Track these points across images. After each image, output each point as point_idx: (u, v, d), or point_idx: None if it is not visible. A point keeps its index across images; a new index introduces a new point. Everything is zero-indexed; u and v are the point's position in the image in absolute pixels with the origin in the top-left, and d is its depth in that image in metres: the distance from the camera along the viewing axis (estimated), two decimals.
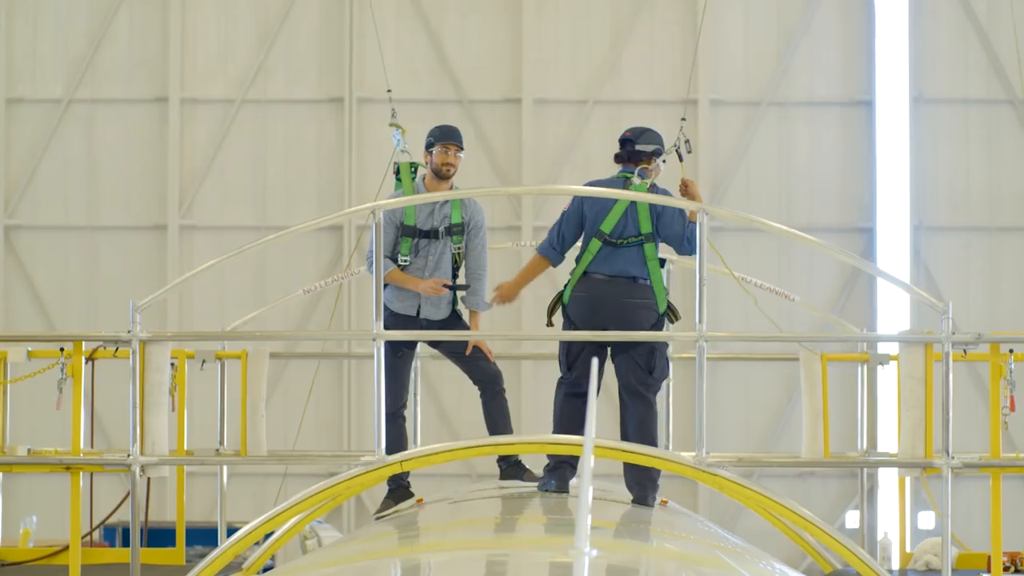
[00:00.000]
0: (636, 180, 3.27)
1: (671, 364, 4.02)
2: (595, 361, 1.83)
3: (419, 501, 3.35)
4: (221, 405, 4.12)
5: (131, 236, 7.68)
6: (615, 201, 3.24)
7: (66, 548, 3.63)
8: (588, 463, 1.61)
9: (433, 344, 3.55)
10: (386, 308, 3.41)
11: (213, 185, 7.71)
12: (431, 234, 3.43)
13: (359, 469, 3.06)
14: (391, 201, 3.29)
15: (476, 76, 7.65)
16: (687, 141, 3.34)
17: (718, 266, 3.81)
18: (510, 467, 3.45)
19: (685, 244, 3.23)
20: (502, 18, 7.65)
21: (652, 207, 3.23)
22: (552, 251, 3.38)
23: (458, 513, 3.02)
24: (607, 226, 3.26)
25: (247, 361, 3.84)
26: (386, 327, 3.23)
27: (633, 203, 3.23)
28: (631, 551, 2.31)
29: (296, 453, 5.07)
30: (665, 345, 3.23)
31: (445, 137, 3.47)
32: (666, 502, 3.35)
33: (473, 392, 3.50)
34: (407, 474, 3.43)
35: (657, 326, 3.22)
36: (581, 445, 2.98)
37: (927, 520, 6.95)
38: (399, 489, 3.46)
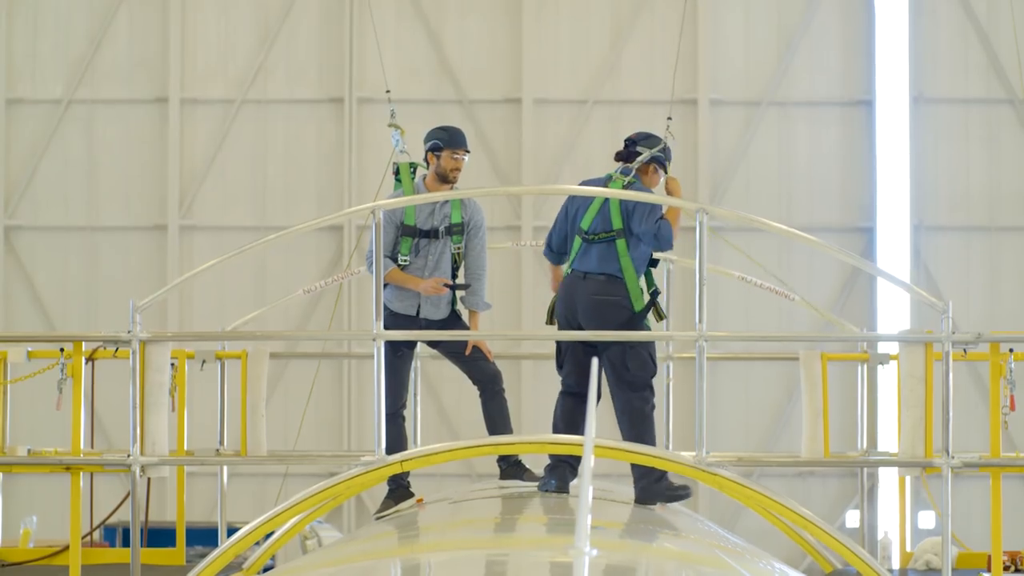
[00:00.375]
0: (616, 177, 3.28)
1: (669, 362, 4.01)
2: (595, 361, 1.83)
3: (419, 501, 3.35)
4: (221, 405, 4.12)
5: (131, 236, 7.67)
6: (595, 197, 3.24)
7: (66, 548, 3.62)
8: (588, 463, 1.60)
9: (432, 344, 3.54)
10: (386, 308, 3.40)
11: (213, 185, 7.70)
12: (431, 234, 3.43)
13: (359, 469, 3.06)
14: (391, 201, 3.28)
15: (476, 76, 7.63)
16: (673, 139, 3.33)
17: (718, 265, 3.79)
18: (510, 467, 3.44)
19: (653, 240, 3.20)
20: (502, 18, 7.63)
21: (623, 203, 3.21)
22: (548, 252, 3.41)
23: (458, 513, 3.02)
24: (585, 223, 3.28)
25: (247, 361, 3.84)
26: (386, 327, 3.23)
27: (607, 199, 3.22)
28: (631, 551, 2.30)
29: (296, 453, 5.06)
30: (644, 343, 3.19)
31: (456, 143, 3.44)
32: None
33: (473, 392, 3.50)
34: (407, 474, 3.43)
35: (631, 324, 3.18)
36: (581, 445, 2.98)
37: (927, 519, 6.95)
38: (399, 489, 3.46)
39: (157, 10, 7.64)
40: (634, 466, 3.17)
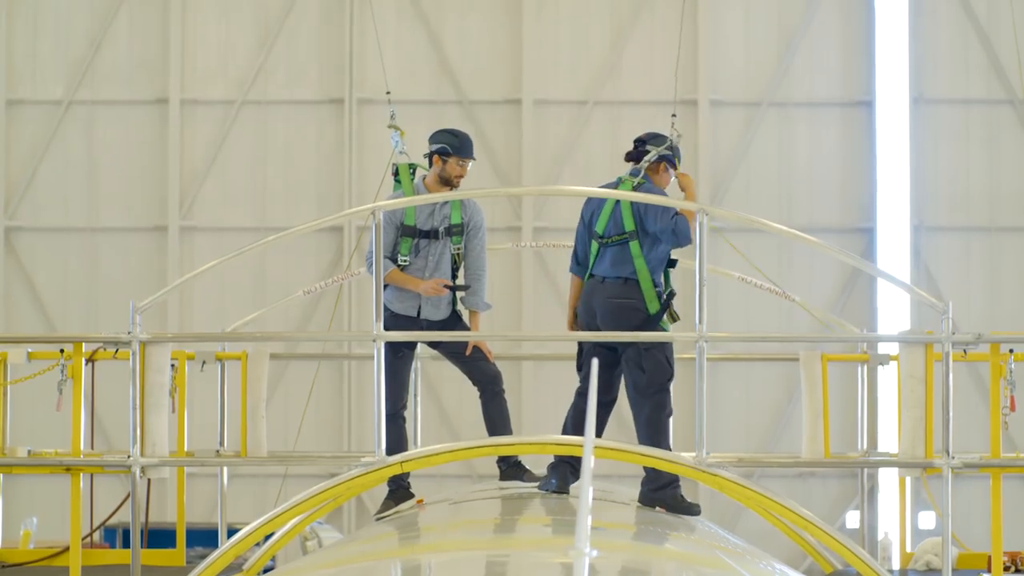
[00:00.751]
0: (625, 178, 3.28)
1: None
2: (595, 362, 1.84)
3: (419, 502, 3.35)
4: (221, 406, 4.12)
5: (131, 237, 7.66)
6: (607, 201, 3.24)
7: (66, 549, 3.62)
8: (588, 463, 1.60)
9: (432, 344, 3.53)
10: (386, 309, 3.40)
11: (213, 186, 7.69)
12: (431, 234, 3.42)
13: (359, 470, 3.06)
14: (392, 202, 3.28)
15: (476, 77, 7.60)
16: (679, 136, 3.32)
17: (718, 266, 3.79)
18: (510, 468, 3.43)
19: (672, 237, 3.17)
20: (502, 19, 7.60)
21: (635, 204, 3.21)
22: (575, 267, 3.37)
23: (458, 514, 3.02)
24: (600, 226, 3.27)
25: (247, 362, 3.83)
26: (386, 327, 3.23)
27: (619, 201, 3.23)
28: (631, 552, 2.31)
29: (296, 454, 5.06)
30: (659, 345, 3.18)
31: (465, 152, 3.43)
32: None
33: (474, 392, 3.50)
34: (407, 475, 3.42)
35: (646, 326, 3.18)
36: (581, 445, 2.98)
37: (927, 520, 6.94)
38: (399, 490, 3.45)
39: (157, 11, 7.63)
40: (646, 468, 3.16)
